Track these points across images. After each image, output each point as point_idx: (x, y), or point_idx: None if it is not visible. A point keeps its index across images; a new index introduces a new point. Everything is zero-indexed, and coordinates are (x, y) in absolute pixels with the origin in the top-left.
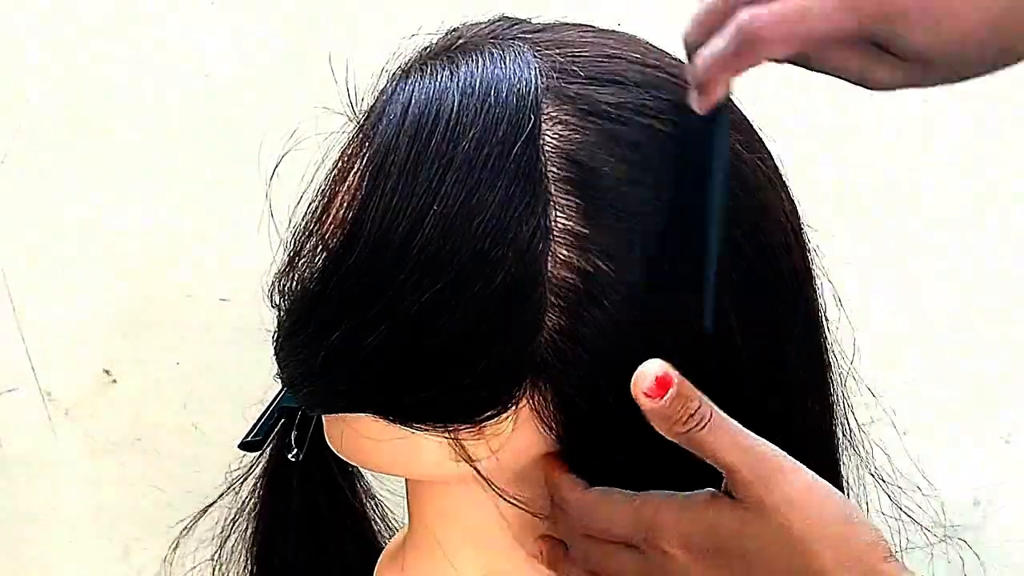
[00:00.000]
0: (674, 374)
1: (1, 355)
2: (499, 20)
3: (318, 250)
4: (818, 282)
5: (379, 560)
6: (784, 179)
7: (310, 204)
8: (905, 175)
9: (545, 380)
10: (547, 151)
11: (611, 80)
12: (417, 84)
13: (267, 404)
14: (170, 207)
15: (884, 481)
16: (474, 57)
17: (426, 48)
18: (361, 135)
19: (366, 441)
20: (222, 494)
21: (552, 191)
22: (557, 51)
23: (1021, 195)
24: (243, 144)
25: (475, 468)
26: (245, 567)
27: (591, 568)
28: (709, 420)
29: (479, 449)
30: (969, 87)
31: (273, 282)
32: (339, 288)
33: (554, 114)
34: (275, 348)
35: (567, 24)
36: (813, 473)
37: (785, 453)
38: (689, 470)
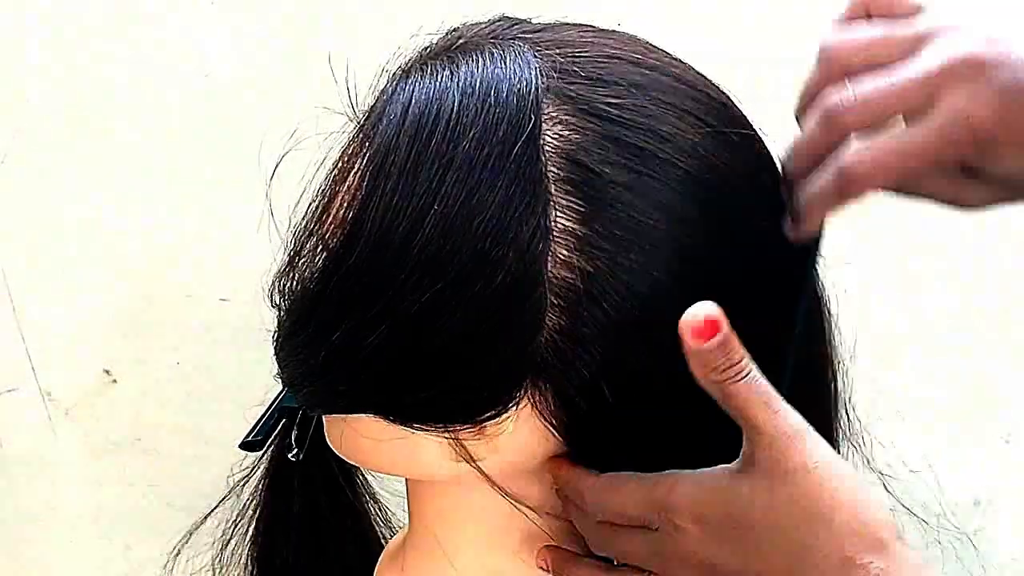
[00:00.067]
0: (724, 321)
1: (1, 355)
2: (499, 20)
3: (318, 250)
4: (821, 282)
5: (379, 560)
6: (780, 180)
7: (310, 204)
8: None
9: (545, 380)
10: (547, 151)
11: (611, 80)
12: (417, 84)
13: (268, 404)
14: (170, 207)
15: (884, 477)
16: (474, 57)
17: (426, 48)
18: (361, 135)
19: (366, 441)
20: (223, 498)
21: (552, 191)
22: (557, 51)
23: None
24: (243, 144)
25: (476, 468)
26: (246, 568)
27: (607, 553)
28: (747, 375)
29: (480, 449)
30: None
31: (273, 282)
32: (339, 288)
33: (554, 114)
34: (275, 348)
35: (567, 24)
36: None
37: (810, 426)
38: (691, 465)
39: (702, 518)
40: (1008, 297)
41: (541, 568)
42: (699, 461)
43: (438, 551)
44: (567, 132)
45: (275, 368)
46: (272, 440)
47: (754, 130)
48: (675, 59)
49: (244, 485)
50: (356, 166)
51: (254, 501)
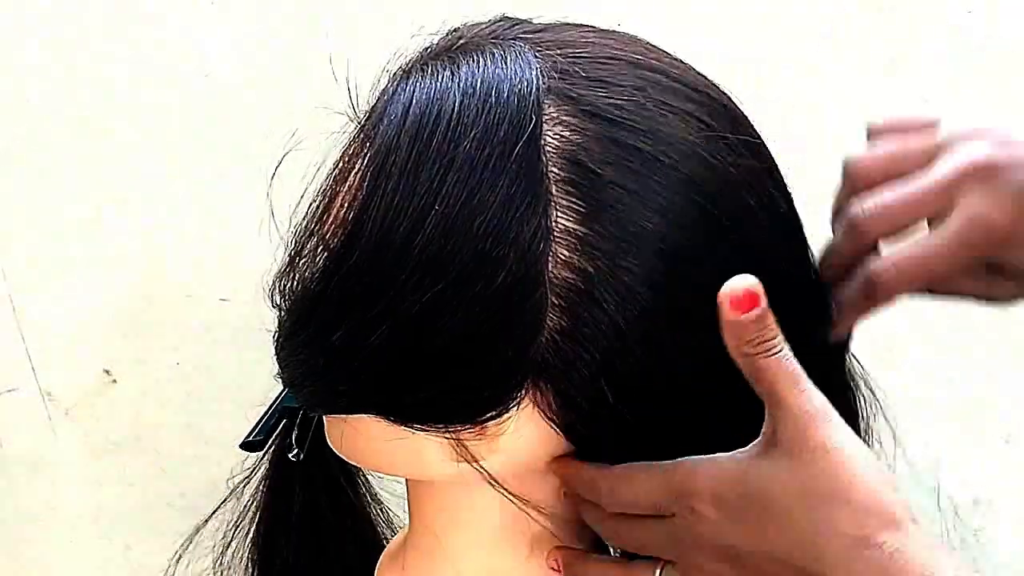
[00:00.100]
0: (763, 295)
1: (1, 355)
2: (500, 20)
3: (319, 250)
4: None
5: (380, 561)
6: (781, 181)
7: (311, 204)
8: None
9: (546, 380)
10: (548, 151)
11: (612, 81)
12: (418, 84)
13: (268, 404)
14: (170, 207)
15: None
16: (475, 57)
17: (427, 48)
18: (362, 135)
19: (367, 441)
20: (224, 500)
21: (553, 191)
22: (558, 51)
23: None
24: (243, 144)
25: (477, 468)
26: (247, 569)
27: (622, 546)
28: (778, 352)
29: (481, 449)
30: (973, 89)
31: (274, 282)
32: (340, 288)
33: (555, 115)
34: (276, 348)
35: (568, 24)
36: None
37: (833, 408)
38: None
39: (720, 500)
40: None
41: (552, 569)
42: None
43: (438, 551)
44: (568, 133)
45: (276, 368)
46: (273, 440)
47: (755, 130)
48: (676, 60)
49: (245, 486)
50: (357, 166)
51: (255, 502)
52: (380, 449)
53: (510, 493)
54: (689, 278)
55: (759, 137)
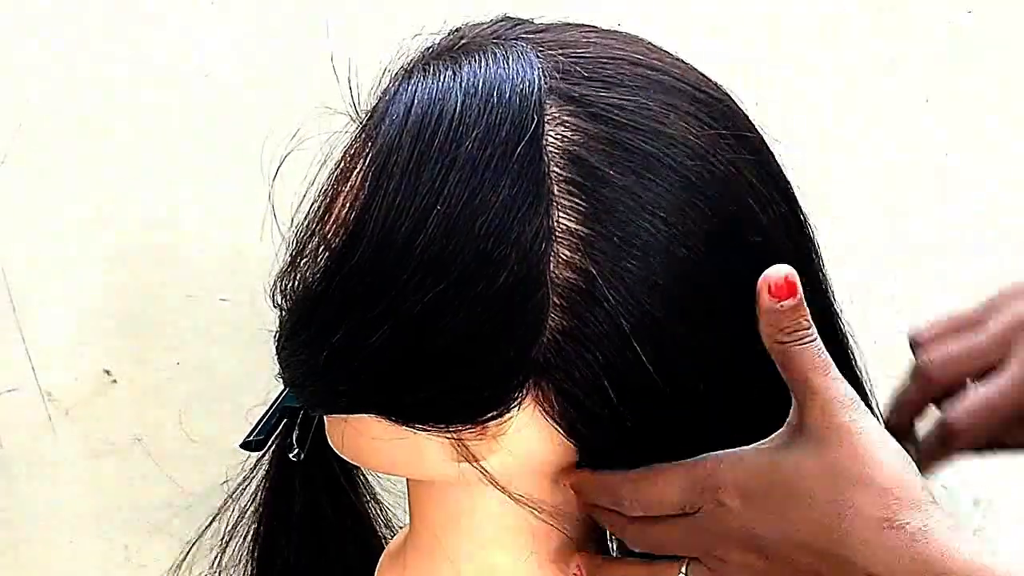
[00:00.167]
0: (800, 285)
1: (1, 355)
2: (502, 20)
3: (320, 250)
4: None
5: (380, 560)
6: (783, 181)
7: (312, 204)
8: (905, 175)
9: (548, 380)
10: (550, 151)
11: (614, 81)
12: (420, 84)
13: (269, 404)
14: (170, 207)
15: None
16: (477, 57)
17: (429, 48)
18: (364, 135)
19: (368, 441)
20: (226, 501)
21: (555, 191)
22: (560, 51)
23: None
24: (244, 144)
25: (479, 468)
26: (246, 569)
27: (647, 548)
28: (811, 341)
29: (482, 449)
30: (973, 89)
31: (275, 282)
32: (342, 288)
33: (557, 115)
34: (277, 348)
35: (570, 24)
36: None
37: (859, 398)
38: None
39: (745, 490)
40: None
41: (575, 575)
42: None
43: (439, 551)
44: (569, 133)
45: (276, 368)
46: (273, 440)
47: (756, 130)
48: (677, 59)
49: (245, 487)
50: (359, 166)
51: (255, 502)
52: (381, 449)
53: (512, 493)
54: (691, 278)
55: (761, 137)
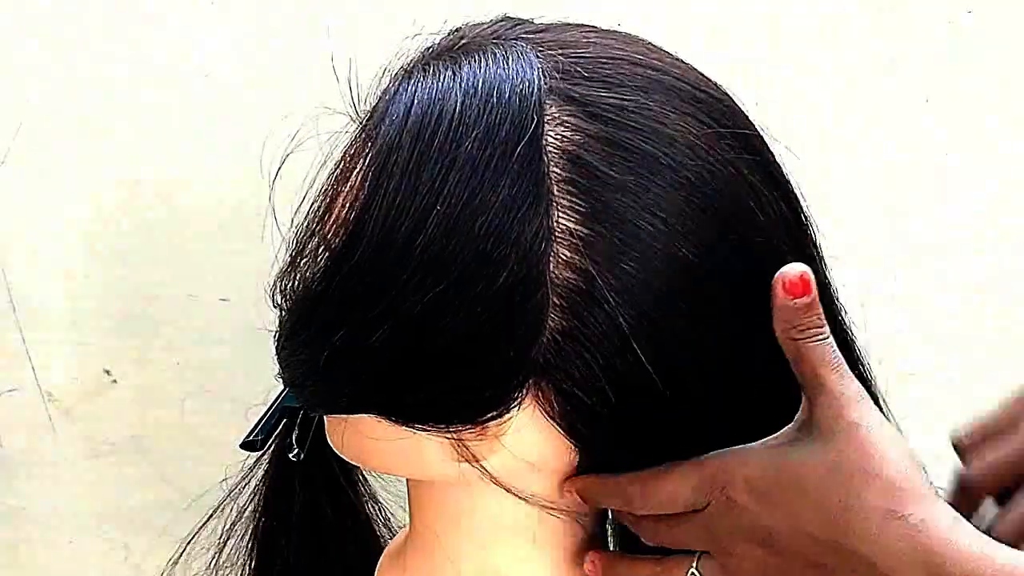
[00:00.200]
0: (814, 284)
1: (1, 355)
2: (502, 20)
3: (320, 250)
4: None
5: (380, 560)
6: (783, 180)
7: (312, 204)
8: (905, 175)
9: (548, 380)
10: (549, 152)
11: (614, 81)
12: (420, 84)
13: (269, 404)
14: (170, 207)
15: None
16: (477, 57)
17: (429, 48)
18: (364, 135)
19: (368, 441)
20: (223, 501)
21: (555, 192)
22: (560, 51)
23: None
24: (244, 144)
25: (479, 468)
26: (243, 569)
27: (660, 542)
28: (824, 338)
29: (482, 449)
30: (973, 89)
31: (275, 282)
32: (341, 288)
33: (556, 115)
34: (277, 348)
35: (569, 24)
36: None
37: (868, 395)
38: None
39: (756, 486)
40: (1008, 297)
41: (589, 573)
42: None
43: (439, 551)
44: (569, 133)
45: (276, 368)
46: (273, 440)
47: (756, 130)
48: (677, 59)
49: (245, 486)
50: (358, 166)
51: (254, 501)
52: (381, 449)
53: (513, 493)
54: (691, 278)
55: (761, 137)
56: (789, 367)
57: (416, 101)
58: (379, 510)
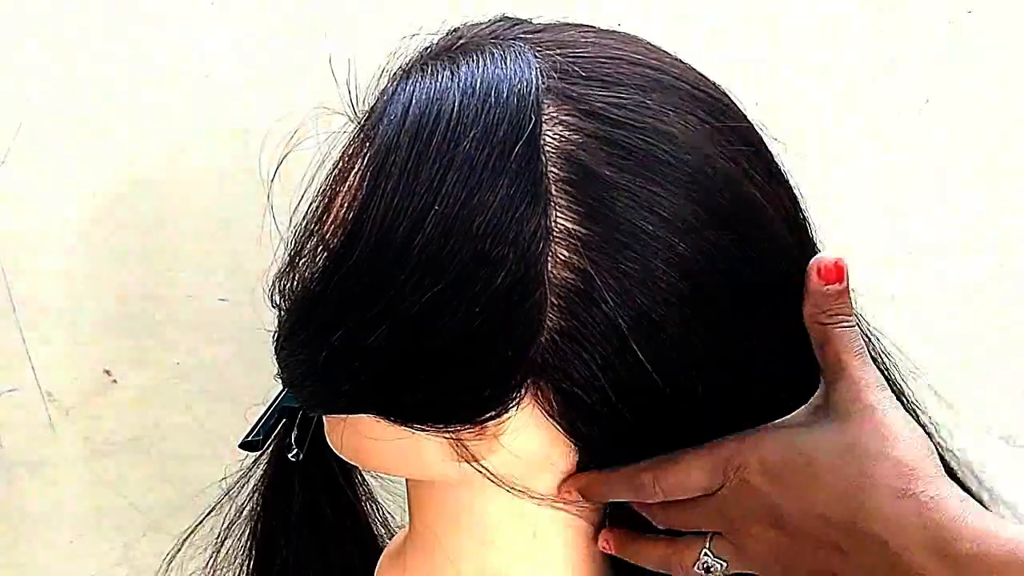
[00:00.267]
0: (847, 272)
1: (1, 355)
2: (500, 20)
3: (319, 250)
4: None
5: (380, 560)
6: (782, 179)
7: (311, 204)
8: (905, 175)
9: (546, 380)
10: (547, 151)
11: (612, 80)
12: (418, 84)
13: (268, 404)
14: (170, 207)
15: None
16: (475, 57)
17: (427, 48)
18: (362, 135)
19: (367, 441)
20: (220, 500)
21: (552, 191)
22: (558, 51)
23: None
24: (244, 144)
25: (478, 468)
26: (242, 569)
27: (671, 525)
28: (850, 325)
29: (481, 449)
30: (973, 89)
31: (274, 282)
32: (340, 288)
33: (555, 114)
34: (276, 348)
35: (568, 24)
36: None
37: (884, 381)
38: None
39: (770, 467)
40: (1008, 297)
41: (603, 550)
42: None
43: (439, 551)
44: (567, 132)
45: (276, 368)
46: (272, 440)
47: (755, 130)
48: (676, 59)
49: (243, 486)
50: (357, 166)
51: (252, 501)
52: (380, 449)
53: (513, 492)
54: (690, 276)
55: (760, 136)
56: (789, 364)
57: (414, 101)
58: (378, 510)
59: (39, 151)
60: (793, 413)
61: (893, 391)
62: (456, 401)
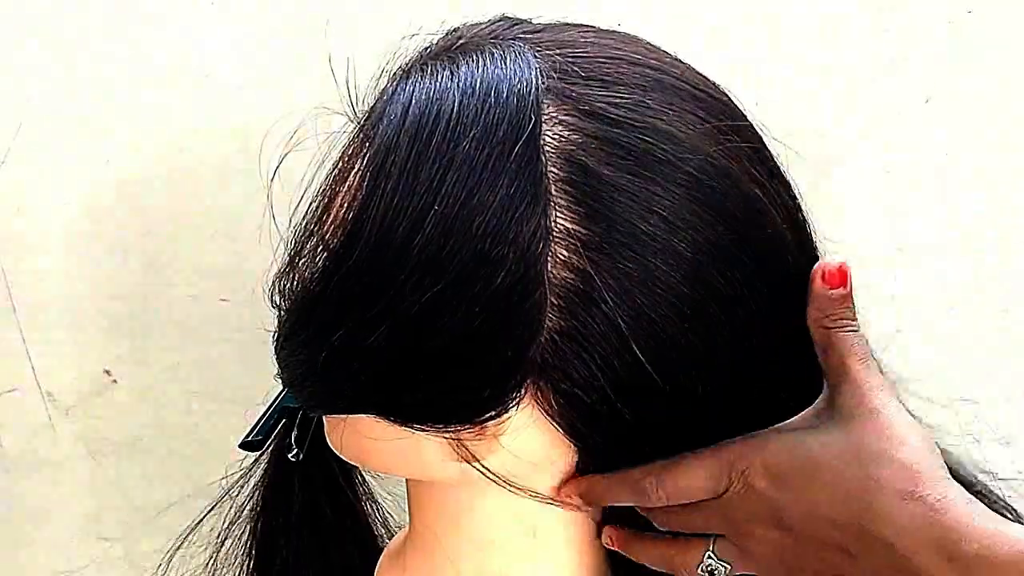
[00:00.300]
0: (851, 277)
1: (1, 355)
2: (499, 20)
3: (319, 250)
4: None
5: (380, 560)
6: (782, 179)
7: (311, 204)
8: (905, 175)
9: (546, 380)
10: (547, 151)
11: (612, 80)
12: (418, 84)
13: (268, 404)
14: (170, 207)
15: None
16: (475, 57)
17: (427, 48)
18: (362, 135)
19: (367, 441)
20: (219, 500)
21: (552, 191)
22: (557, 51)
23: (1019, 195)
24: (243, 144)
25: (478, 468)
26: (242, 569)
27: (673, 527)
28: (853, 329)
29: (481, 449)
30: (973, 89)
31: (274, 282)
32: (340, 288)
33: (554, 114)
34: (276, 348)
35: (567, 24)
36: None
37: (887, 383)
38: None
39: (774, 471)
40: (1008, 297)
41: (606, 546)
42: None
43: (439, 551)
44: (567, 132)
45: (276, 368)
46: (272, 440)
47: (755, 130)
48: (675, 59)
49: (242, 486)
50: (356, 166)
51: (252, 501)
52: (380, 449)
53: (513, 492)
54: (690, 276)
55: (759, 136)
56: (791, 367)
57: (414, 101)
58: (378, 510)
59: (39, 151)
60: (797, 416)
61: None
62: (456, 401)
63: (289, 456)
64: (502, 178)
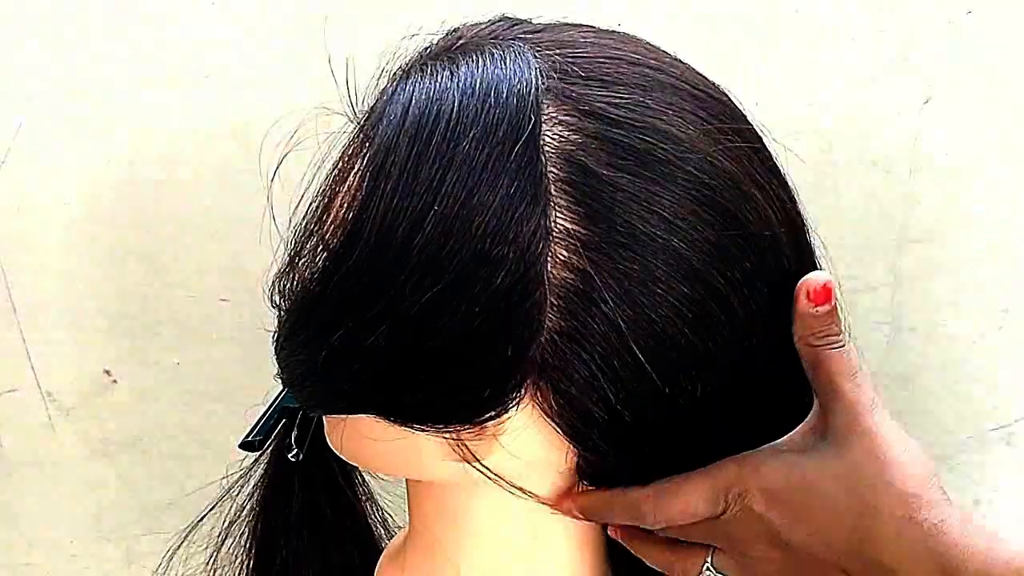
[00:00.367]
0: (836, 292)
1: (1, 355)
2: (499, 20)
3: (319, 250)
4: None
5: (379, 560)
6: (782, 179)
7: (311, 204)
8: (905, 175)
9: (546, 380)
10: (547, 151)
11: (611, 80)
12: (417, 84)
13: (268, 404)
14: (170, 207)
15: None
16: (474, 57)
17: (426, 48)
18: (362, 135)
19: (367, 441)
20: (219, 500)
21: (552, 191)
22: (557, 51)
23: (1019, 195)
24: (243, 144)
25: (477, 468)
26: (242, 568)
27: (676, 536)
28: (841, 346)
29: (481, 449)
30: (973, 89)
31: (274, 282)
32: (340, 288)
33: (554, 114)
34: (276, 348)
35: (567, 24)
36: None
37: (880, 400)
38: (696, 464)
39: (771, 494)
40: (1008, 296)
41: (612, 536)
42: (704, 459)
43: (439, 551)
44: (567, 132)
45: (276, 368)
46: (272, 440)
47: (754, 130)
48: (675, 59)
49: (242, 486)
50: (356, 166)
51: (252, 501)
52: (380, 449)
53: (513, 492)
54: (691, 276)
55: (759, 136)
56: (790, 367)
57: (413, 101)
58: (378, 510)
59: (39, 151)
60: (790, 434)
61: None
62: (456, 401)
63: (289, 456)
64: (502, 178)
